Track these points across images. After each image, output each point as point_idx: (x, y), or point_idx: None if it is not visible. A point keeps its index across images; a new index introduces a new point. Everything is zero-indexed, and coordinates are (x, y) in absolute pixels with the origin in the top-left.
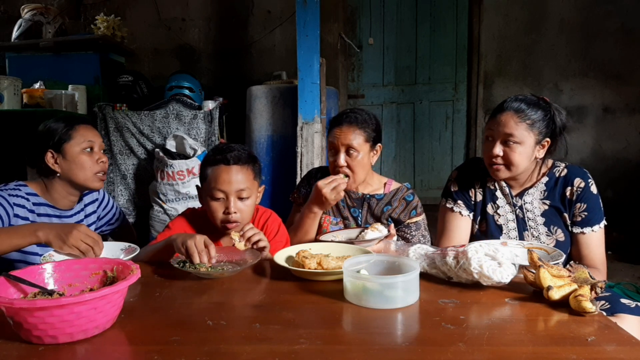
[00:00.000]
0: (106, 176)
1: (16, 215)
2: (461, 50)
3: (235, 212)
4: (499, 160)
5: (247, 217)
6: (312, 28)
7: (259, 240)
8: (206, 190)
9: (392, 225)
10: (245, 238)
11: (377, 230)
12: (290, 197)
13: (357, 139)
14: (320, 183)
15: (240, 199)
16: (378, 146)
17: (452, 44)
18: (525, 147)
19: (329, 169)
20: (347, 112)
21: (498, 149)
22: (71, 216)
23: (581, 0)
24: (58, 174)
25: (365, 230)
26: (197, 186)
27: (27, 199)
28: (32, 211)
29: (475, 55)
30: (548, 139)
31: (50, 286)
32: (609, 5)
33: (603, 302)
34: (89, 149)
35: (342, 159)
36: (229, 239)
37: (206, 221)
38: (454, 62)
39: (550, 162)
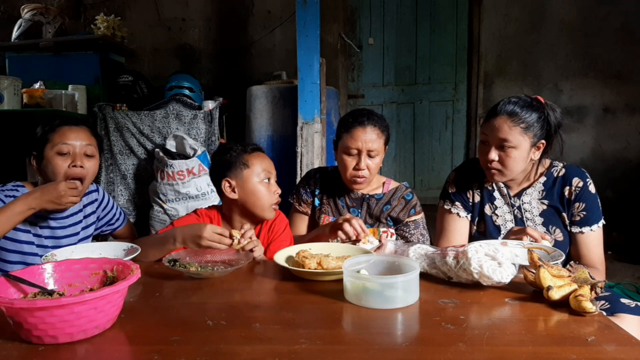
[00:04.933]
0: (83, 188)
1: None
2: (461, 50)
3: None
4: (495, 165)
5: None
6: (312, 28)
7: (253, 249)
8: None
9: (383, 235)
10: (245, 238)
11: (369, 242)
12: (289, 198)
13: (378, 142)
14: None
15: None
16: (387, 147)
17: (452, 44)
18: (520, 151)
19: (328, 170)
20: (365, 113)
21: (494, 154)
22: (68, 217)
23: (581, 0)
24: (40, 178)
25: (357, 244)
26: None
27: None
28: None
29: (475, 55)
30: (543, 141)
31: (50, 286)
32: (609, 5)
33: (603, 302)
34: (64, 153)
35: (364, 162)
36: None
37: (214, 220)
38: (454, 62)
39: (547, 162)
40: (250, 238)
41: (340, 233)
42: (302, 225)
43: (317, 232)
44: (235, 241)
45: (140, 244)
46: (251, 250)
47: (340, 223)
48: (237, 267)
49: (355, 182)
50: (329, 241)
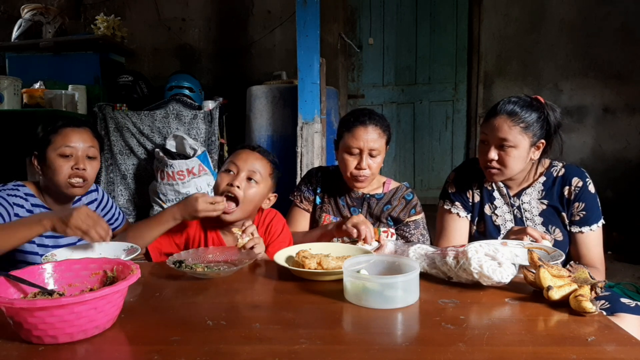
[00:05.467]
0: (87, 184)
1: (16, 215)
2: (461, 50)
3: (238, 187)
4: (495, 164)
5: (247, 201)
6: (312, 28)
7: (254, 246)
8: (222, 169)
9: (383, 235)
10: (246, 233)
11: (367, 244)
12: (290, 196)
13: (380, 141)
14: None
15: (249, 179)
16: (387, 146)
17: (452, 44)
18: (520, 151)
19: (329, 169)
20: (367, 112)
21: (493, 154)
22: None
23: (581, 0)
24: (41, 177)
25: (356, 245)
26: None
27: (26, 199)
28: (30, 211)
29: (475, 55)
30: (543, 140)
31: (50, 286)
32: (609, 5)
33: (603, 302)
34: (67, 155)
35: (365, 162)
36: (232, 234)
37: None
38: (454, 62)
39: (547, 161)
40: (252, 234)
41: (355, 232)
42: (303, 221)
43: (321, 231)
44: (239, 240)
45: (135, 229)
46: (252, 248)
47: (356, 222)
48: (242, 266)
49: (356, 181)
50: (332, 239)
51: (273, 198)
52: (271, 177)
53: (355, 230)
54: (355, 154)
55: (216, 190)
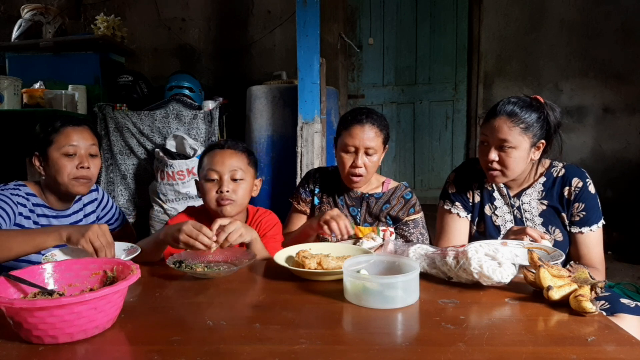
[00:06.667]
0: (91, 182)
1: (20, 214)
2: (461, 50)
3: (228, 191)
4: (495, 166)
5: (240, 199)
6: (312, 28)
7: (239, 237)
8: (202, 177)
9: (387, 233)
10: (224, 232)
11: (372, 239)
12: (290, 198)
13: (376, 140)
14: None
15: (234, 180)
16: (386, 146)
17: (452, 44)
18: (520, 151)
19: (328, 170)
20: (365, 111)
21: (494, 155)
22: (69, 216)
23: (581, 0)
24: (43, 177)
25: (361, 240)
26: (195, 181)
27: (27, 199)
28: (32, 211)
29: (475, 55)
30: (543, 141)
31: (50, 286)
32: (609, 5)
33: (603, 302)
34: (70, 154)
35: (360, 160)
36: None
37: (206, 216)
38: (454, 62)
39: (547, 162)
40: (232, 234)
41: (326, 228)
42: (299, 223)
43: (303, 227)
44: (213, 245)
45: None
46: (241, 245)
47: (328, 219)
48: (242, 266)
49: (352, 180)
50: (319, 234)
51: (259, 183)
52: (250, 165)
53: (326, 228)
54: (351, 152)
55: (205, 200)
